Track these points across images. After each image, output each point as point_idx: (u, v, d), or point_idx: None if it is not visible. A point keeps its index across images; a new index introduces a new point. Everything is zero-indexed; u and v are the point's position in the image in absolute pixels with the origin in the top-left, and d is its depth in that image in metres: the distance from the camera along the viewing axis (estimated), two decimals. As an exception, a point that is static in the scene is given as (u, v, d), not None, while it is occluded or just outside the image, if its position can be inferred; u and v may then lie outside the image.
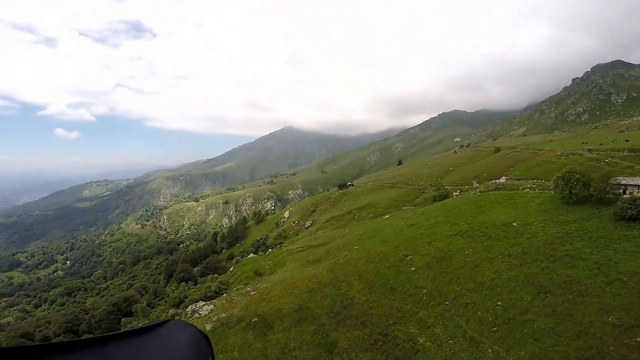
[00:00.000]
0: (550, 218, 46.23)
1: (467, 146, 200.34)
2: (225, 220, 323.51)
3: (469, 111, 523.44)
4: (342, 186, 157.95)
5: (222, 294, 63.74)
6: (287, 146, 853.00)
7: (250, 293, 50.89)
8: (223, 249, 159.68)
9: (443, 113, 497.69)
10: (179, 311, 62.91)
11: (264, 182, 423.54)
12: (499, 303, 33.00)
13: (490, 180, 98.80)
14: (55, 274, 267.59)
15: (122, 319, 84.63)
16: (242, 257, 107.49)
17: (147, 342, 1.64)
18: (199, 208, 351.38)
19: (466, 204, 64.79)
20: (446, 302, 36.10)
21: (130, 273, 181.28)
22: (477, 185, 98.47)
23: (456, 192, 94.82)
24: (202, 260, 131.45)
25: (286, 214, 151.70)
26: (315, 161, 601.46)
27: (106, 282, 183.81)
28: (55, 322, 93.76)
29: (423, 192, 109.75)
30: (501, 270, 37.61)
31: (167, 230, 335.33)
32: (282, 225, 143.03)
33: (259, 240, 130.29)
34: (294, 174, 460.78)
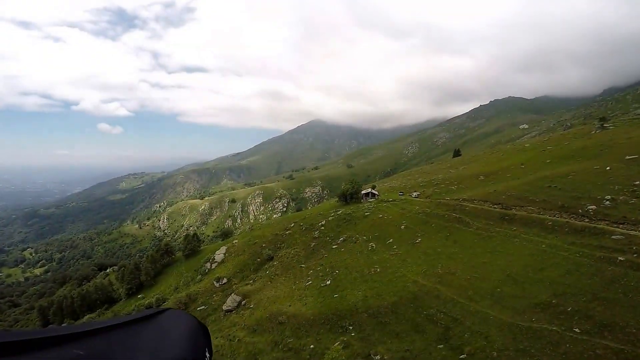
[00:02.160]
0: None
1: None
2: (229, 222, 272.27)
3: (527, 98, 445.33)
4: (346, 197, 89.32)
5: None
6: (315, 140, 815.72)
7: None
8: (121, 297, 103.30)
9: (495, 100, 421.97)
10: None
11: (283, 177, 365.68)
12: None
13: None
14: (43, 276, 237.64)
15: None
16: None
17: (145, 330, 1.62)
18: (202, 207, 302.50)
19: None
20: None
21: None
22: None
23: None
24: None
25: (219, 254, 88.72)
26: (344, 155, 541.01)
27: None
28: None
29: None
30: None
31: (165, 231, 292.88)
32: (207, 274, 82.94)
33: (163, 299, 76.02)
34: (316, 168, 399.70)
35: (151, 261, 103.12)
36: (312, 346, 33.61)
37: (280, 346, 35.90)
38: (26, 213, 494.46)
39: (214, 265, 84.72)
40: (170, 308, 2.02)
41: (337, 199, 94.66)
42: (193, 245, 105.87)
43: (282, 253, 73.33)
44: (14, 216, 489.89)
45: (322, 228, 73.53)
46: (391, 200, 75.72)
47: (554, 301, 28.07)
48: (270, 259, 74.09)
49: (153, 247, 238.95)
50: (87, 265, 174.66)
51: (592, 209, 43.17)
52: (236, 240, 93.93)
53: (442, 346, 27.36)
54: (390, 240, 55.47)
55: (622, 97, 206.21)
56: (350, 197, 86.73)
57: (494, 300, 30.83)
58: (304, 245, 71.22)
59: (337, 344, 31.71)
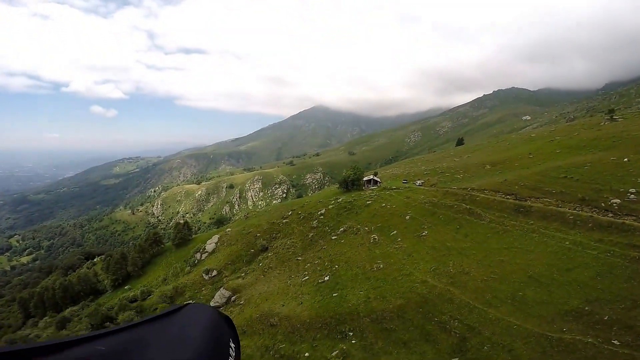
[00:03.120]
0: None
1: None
2: (227, 208, 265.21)
3: (531, 89, 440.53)
4: (347, 184, 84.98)
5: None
6: (316, 126, 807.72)
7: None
8: (106, 288, 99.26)
9: (499, 90, 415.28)
10: None
11: (283, 163, 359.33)
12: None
13: None
14: (31, 264, 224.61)
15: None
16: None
17: (166, 326, 1.65)
18: (199, 192, 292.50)
19: None
20: None
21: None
22: None
23: None
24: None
25: (210, 244, 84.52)
26: (346, 142, 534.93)
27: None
28: None
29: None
30: None
31: (159, 218, 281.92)
32: (197, 266, 79.17)
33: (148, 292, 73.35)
34: (317, 155, 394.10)
35: (139, 251, 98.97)
36: (307, 354, 30.03)
37: (271, 352, 32.35)
38: (15, 199, 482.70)
39: (204, 256, 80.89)
40: (190, 302, 1.98)
41: (338, 186, 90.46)
42: (183, 234, 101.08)
43: (278, 244, 69.63)
44: (1, 202, 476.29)
45: (322, 217, 69.61)
46: (394, 188, 71.66)
47: (587, 308, 24.50)
48: (265, 249, 70.36)
49: (145, 235, 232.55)
50: (73, 254, 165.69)
51: (616, 202, 39.28)
52: (229, 229, 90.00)
53: None
54: (394, 232, 51.64)
55: (625, 91, 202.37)
56: (351, 184, 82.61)
57: (516, 305, 27.19)
58: (301, 235, 67.46)
59: (335, 352, 27.97)
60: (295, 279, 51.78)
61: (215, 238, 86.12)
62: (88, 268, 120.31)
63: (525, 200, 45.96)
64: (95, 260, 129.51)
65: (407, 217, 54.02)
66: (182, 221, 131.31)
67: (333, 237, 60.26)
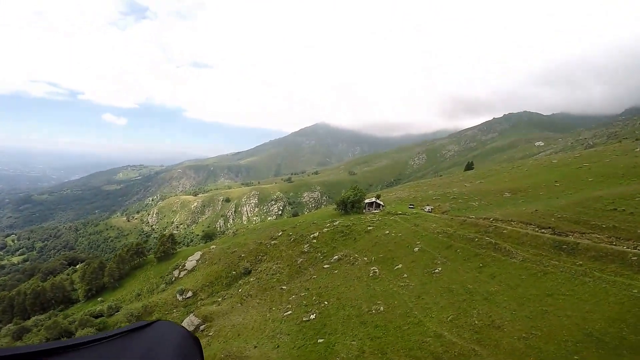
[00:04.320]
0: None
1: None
2: (221, 222, 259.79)
3: (544, 113, 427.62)
4: (346, 205, 75.80)
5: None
6: (317, 143, 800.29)
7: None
8: (79, 299, 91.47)
9: (510, 114, 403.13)
10: None
11: (282, 180, 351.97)
12: None
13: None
14: (21, 265, 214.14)
15: None
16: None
17: (135, 342, 1.61)
18: (195, 204, 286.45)
19: None
20: None
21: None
22: None
23: None
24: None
25: (191, 261, 76.61)
26: (346, 161, 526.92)
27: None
28: None
29: None
30: None
31: (154, 227, 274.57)
32: (173, 284, 71.54)
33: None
34: (316, 173, 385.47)
35: (118, 261, 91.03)
36: None
37: None
38: (19, 197, 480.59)
39: (182, 274, 72.27)
40: (159, 320, 1.92)
41: (335, 207, 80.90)
42: (166, 247, 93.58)
43: (263, 267, 60.54)
44: (7, 200, 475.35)
45: (314, 241, 60.41)
46: (400, 214, 62.49)
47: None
48: (248, 273, 61.34)
49: (127, 245, 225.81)
50: (57, 259, 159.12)
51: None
52: (214, 246, 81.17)
53: None
54: (399, 266, 42.40)
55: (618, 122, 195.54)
56: (351, 206, 73.45)
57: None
58: (289, 260, 58.25)
59: None
60: (275, 313, 42.94)
61: (197, 255, 78.29)
62: (68, 275, 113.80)
63: (567, 236, 36.95)
64: (77, 266, 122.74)
65: (416, 249, 44.74)
66: (168, 233, 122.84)
67: (325, 266, 51.02)
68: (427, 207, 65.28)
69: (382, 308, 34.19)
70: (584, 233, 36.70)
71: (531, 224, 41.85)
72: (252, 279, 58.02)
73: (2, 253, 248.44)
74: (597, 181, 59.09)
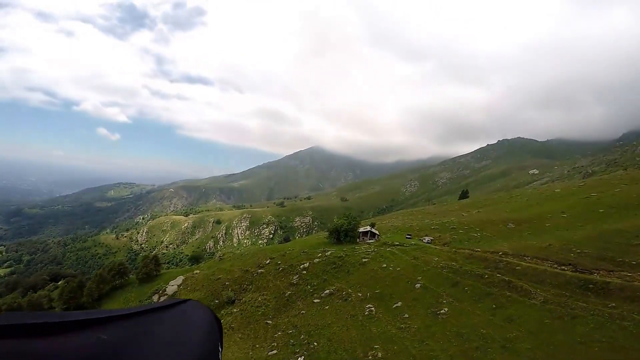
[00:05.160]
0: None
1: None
2: (211, 243, 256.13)
3: (539, 139, 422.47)
4: (339, 234, 69.77)
5: None
6: (311, 167, 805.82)
7: None
8: None
9: (504, 139, 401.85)
10: None
11: (274, 204, 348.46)
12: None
13: None
14: (6, 277, 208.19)
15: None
16: None
17: (167, 318, 1.64)
18: (185, 224, 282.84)
19: None
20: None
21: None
22: None
23: None
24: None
25: (172, 286, 71.70)
26: (339, 187, 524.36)
27: None
28: None
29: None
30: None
31: (143, 245, 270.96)
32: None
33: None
34: (308, 198, 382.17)
35: (98, 281, 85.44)
36: None
37: None
38: (11, 210, 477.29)
39: (162, 299, 66.08)
40: (191, 299, 1.94)
41: (327, 235, 75.48)
42: (149, 269, 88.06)
43: (248, 298, 55.13)
44: None
45: (304, 272, 55.05)
46: (397, 245, 57.47)
47: None
48: (231, 302, 55.95)
49: (128, 262, 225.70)
50: (40, 274, 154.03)
51: None
52: (197, 271, 75.90)
53: None
54: (399, 304, 37.63)
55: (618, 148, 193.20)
56: (344, 235, 67.97)
57: None
58: (276, 292, 52.94)
59: None
60: (259, 351, 38.24)
61: (179, 279, 73.19)
62: (49, 291, 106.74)
63: (592, 273, 32.55)
64: (59, 283, 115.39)
65: (417, 286, 39.88)
66: (152, 255, 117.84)
67: (315, 301, 45.92)
68: (427, 238, 60.61)
69: (380, 354, 29.54)
70: (611, 271, 32.40)
71: (547, 260, 37.43)
72: (235, 310, 52.76)
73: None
74: (609, 212, 55.04)
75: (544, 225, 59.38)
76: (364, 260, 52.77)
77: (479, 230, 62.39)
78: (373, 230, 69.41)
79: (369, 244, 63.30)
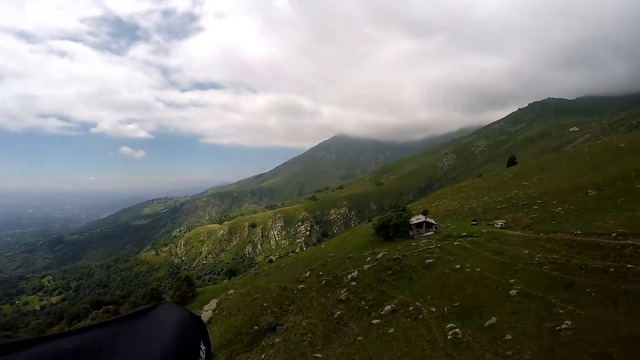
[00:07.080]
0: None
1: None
2: (249, 248, 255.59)
3: (569, 98, 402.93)
4: (388, 230, 59.27)
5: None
6: (338, 156, 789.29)
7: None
8: None
9: (535, 102, 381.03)
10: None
11: (305, 199, 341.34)
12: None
13: None
14: (59, 305, 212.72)
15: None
16: None
17: (136, 325, 1.64)
18: (221, 232, 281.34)
19: None
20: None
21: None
22: None
23: None
24: None
25: (207, 311, 64.34)
26: (371, 171, 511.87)
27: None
28: None
29: None
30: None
31: (182, 258, 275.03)
32: None
33: None
34: (340, 187, 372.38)
35: (132, 308, 79.10)
36: None
37: None
38: (52, 239, 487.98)
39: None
40: (160, 304, 1.97)
41: (373, 232, 64.54)
42: (183, 291, 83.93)
43: (290, 323, 45.99)
44: (40, 241, 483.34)
45: (353, 284, 45.10)
46: (465, 235, 47.14)
47: None
48: (272, 329, 47.11)
49: (171, 276, 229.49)
50: (81, 303, 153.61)
51: None
52: (232, 291, 68.01)
53: None
54: (492, 321, 27.49)
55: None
56: (394, 230, 57.90)
57: None
58: (322, 313, 43.41)
59: None
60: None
61: (213, 304, 66.06)
62: (92, 320, 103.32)
63: None
64: (100, 311, 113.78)
65: (513, 292, 29.46)
66: (183, 275, 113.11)
67: (374, 321, 36.05)
68: (499, 222, 49.84)
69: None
70: None
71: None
72: (277, 339, 43.91)
73: (40, 294, 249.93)
74: None
75: (634, 188, 48.30)
76: (428, 261, 42.57)
77: (557, 204, 51.43)
78: (429, 219, 58.57)
79: (427, 237, 52.88)
